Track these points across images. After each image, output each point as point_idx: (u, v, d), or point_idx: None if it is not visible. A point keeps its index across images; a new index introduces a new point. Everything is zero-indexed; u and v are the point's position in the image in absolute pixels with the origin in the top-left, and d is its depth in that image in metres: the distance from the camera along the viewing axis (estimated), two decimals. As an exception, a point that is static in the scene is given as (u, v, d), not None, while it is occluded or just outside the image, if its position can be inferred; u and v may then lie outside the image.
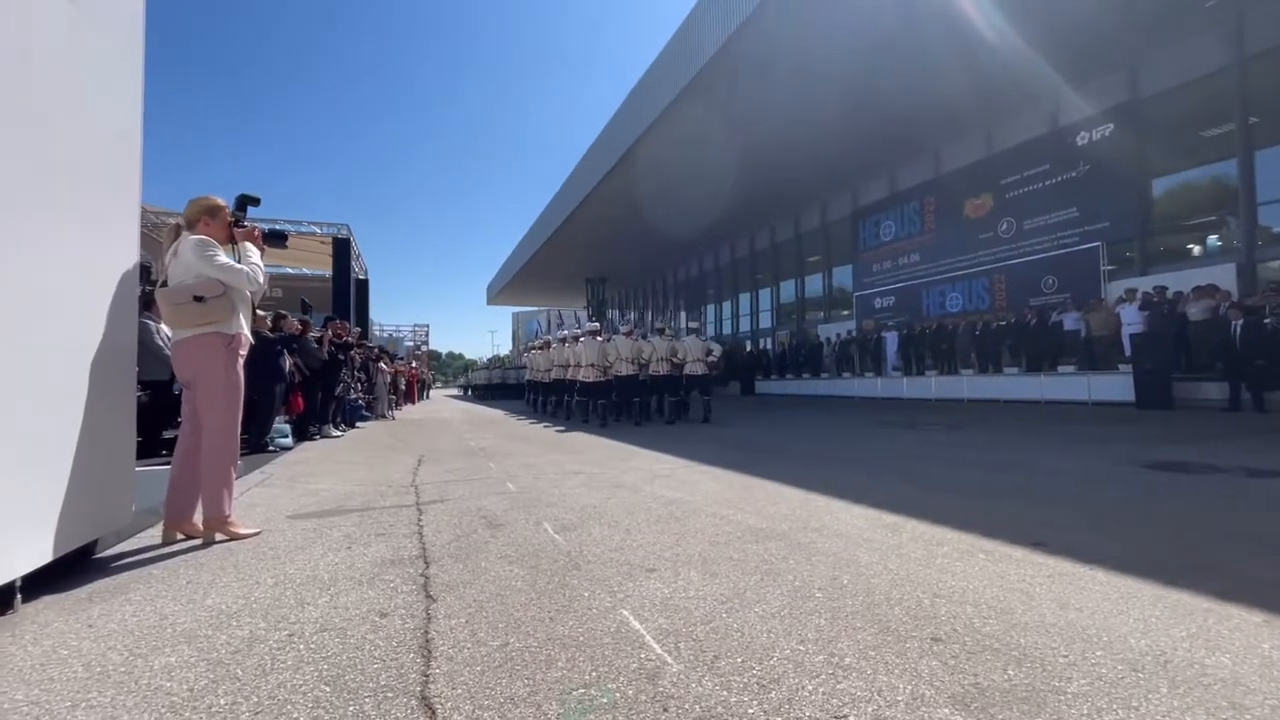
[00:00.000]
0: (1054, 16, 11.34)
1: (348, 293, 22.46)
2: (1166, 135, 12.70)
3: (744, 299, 27.17)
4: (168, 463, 3.54)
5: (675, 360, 10.91)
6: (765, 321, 25.76)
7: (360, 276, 26.54)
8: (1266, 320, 9.46)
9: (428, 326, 43.14)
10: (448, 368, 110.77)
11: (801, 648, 1.75)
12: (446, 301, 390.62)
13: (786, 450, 6.59)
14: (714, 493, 4.13)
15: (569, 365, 12.19)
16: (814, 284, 23.12)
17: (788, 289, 24.40)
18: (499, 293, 41.28)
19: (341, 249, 22.52)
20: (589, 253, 29.36)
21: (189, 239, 3.16)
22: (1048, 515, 3.31)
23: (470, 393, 37.15)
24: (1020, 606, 2.02)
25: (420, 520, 3.56)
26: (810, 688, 1.53)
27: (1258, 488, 3.89)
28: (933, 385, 15.06)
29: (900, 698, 1.47)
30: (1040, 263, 14.72)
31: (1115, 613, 1.95)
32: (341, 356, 10.11)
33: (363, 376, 13.22)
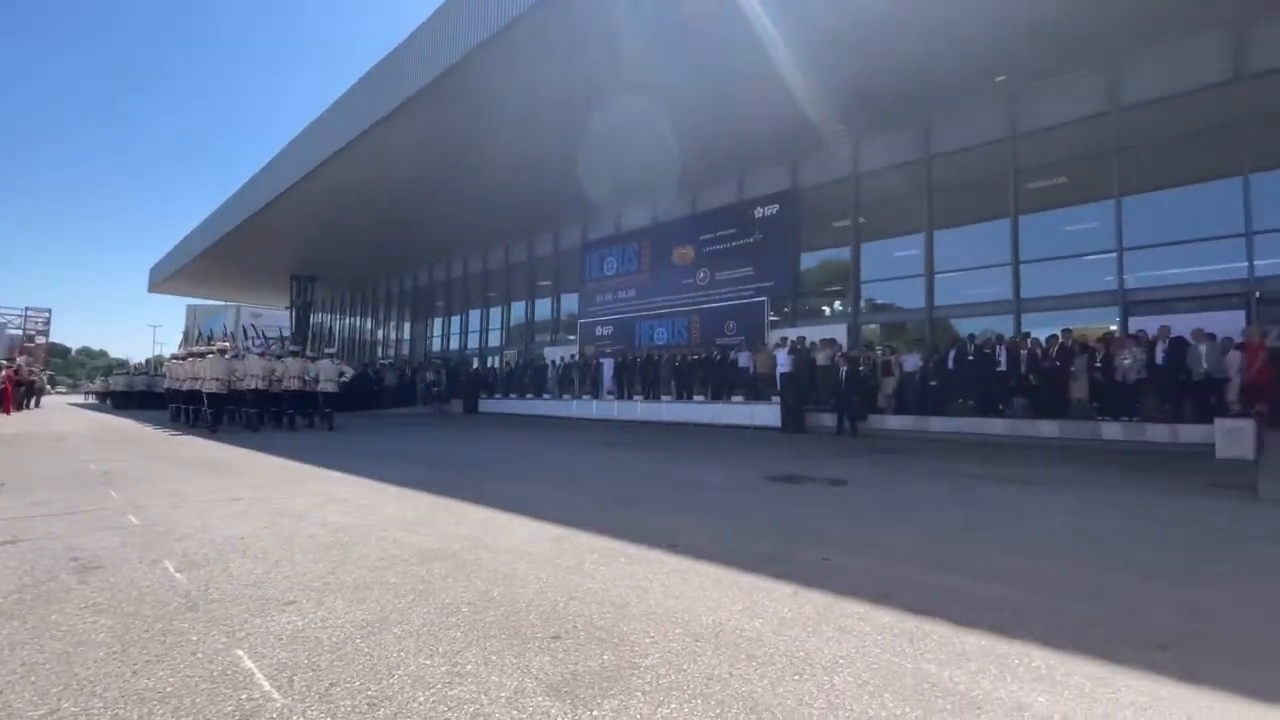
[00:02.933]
0: (737, 117, 13.76)
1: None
2: (812, 221, 16.41)
3: (474, 315, 26.74)
4: None
5: (307, 379, 12.42)
6: (495, 340, 25.70)
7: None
8: (861, 368, 12.78)
9: (48, 313, 32.77)
10: (80, 367, 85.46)
11: (429, 662, 1.80)
12: (90, 282, 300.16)
13: (492, 469, 6.65)
14: (396, 516, 3.97)
15: (199, 378, 12.65)
16: (544, 307, 23.91)
17: (518, 309, 24.77)
18: (168, 279, 33.48)
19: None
20: (297, 246, 25.78)
21: None
22: (690, 520, 3.95)
23: (109, 401, 29.31)
24: (635, 600, 2.38)
25: (-32, 569, 2.69)
26: (422, 699, 1.58)
27: (834, 494, 5.21)
28: (639, 409, 16.74)
29: (504, 694, 1.61)
30: (725, 309, 17.60)
31: (702, 596, 2.43)
32: None
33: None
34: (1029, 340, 11.08)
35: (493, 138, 15.19)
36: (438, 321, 29.01)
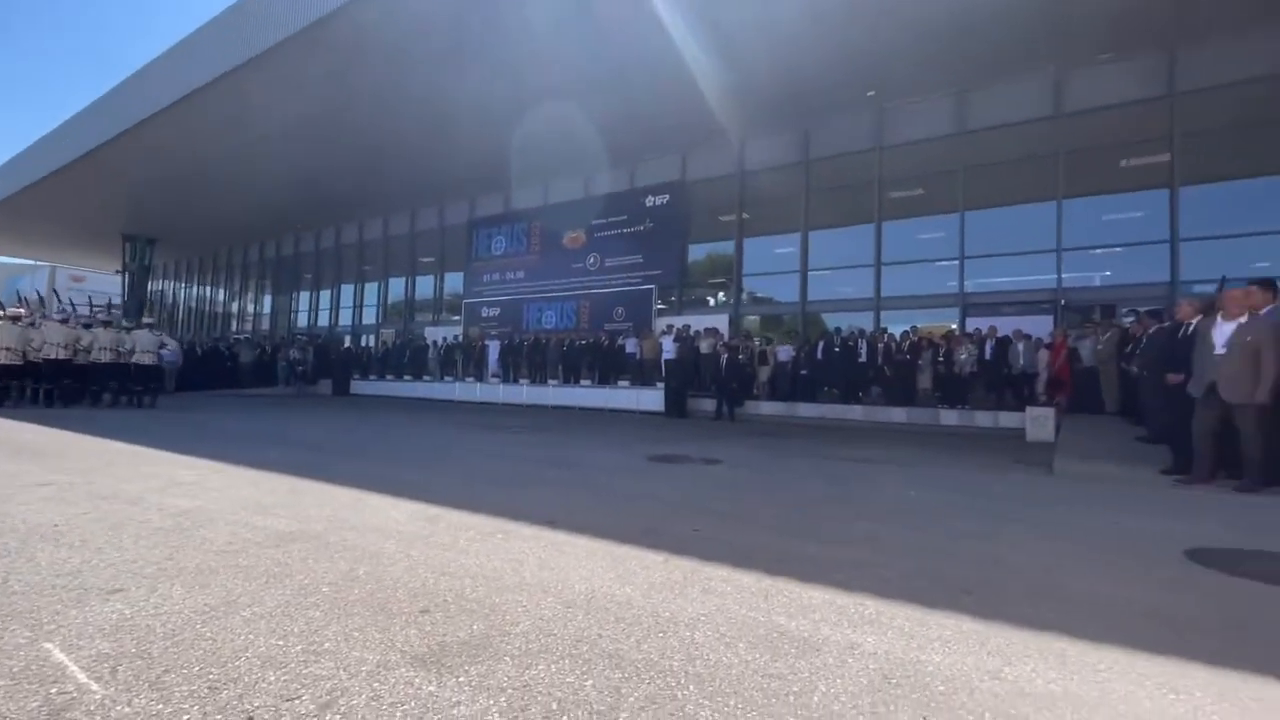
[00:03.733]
0: (628, 112, 13.83)
1: None
2: (699, 213, 16.94)
3: (348, 290, 24.92)
4: None
5: (121, 350, 11.61)
6: (370, 317, 24.14)
7: None
8: (740, 356, 13.46)
9: None
10: None
11: (281, 643, 1.70)
12: None
13: (364, 451, 6.30)
14: (250, 499, 3.65)
15: None
16: (425, 285, 22.80)
17: (397, 286, 23.42)
18: (-44, 229, 27.98)
19: None
20: (132, 201, 22.57)
21: None
22: (570, 498, 4.00)
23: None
24: (510, 573, 2.38)
25: None
26: (272, 679, 1.49)
27: (709, 472, 5.47)
28: (524, 393, 16.50)
29: (365, 668, 1.56)
30: (614, 295, 17.76)
31: (577, 567, 2.48)
32: None
33: None
34: (886, 335, 12.23)
35: (370, 100, 14.11)
36: (305, 295, 26.76)
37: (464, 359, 18.72)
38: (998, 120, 12.05)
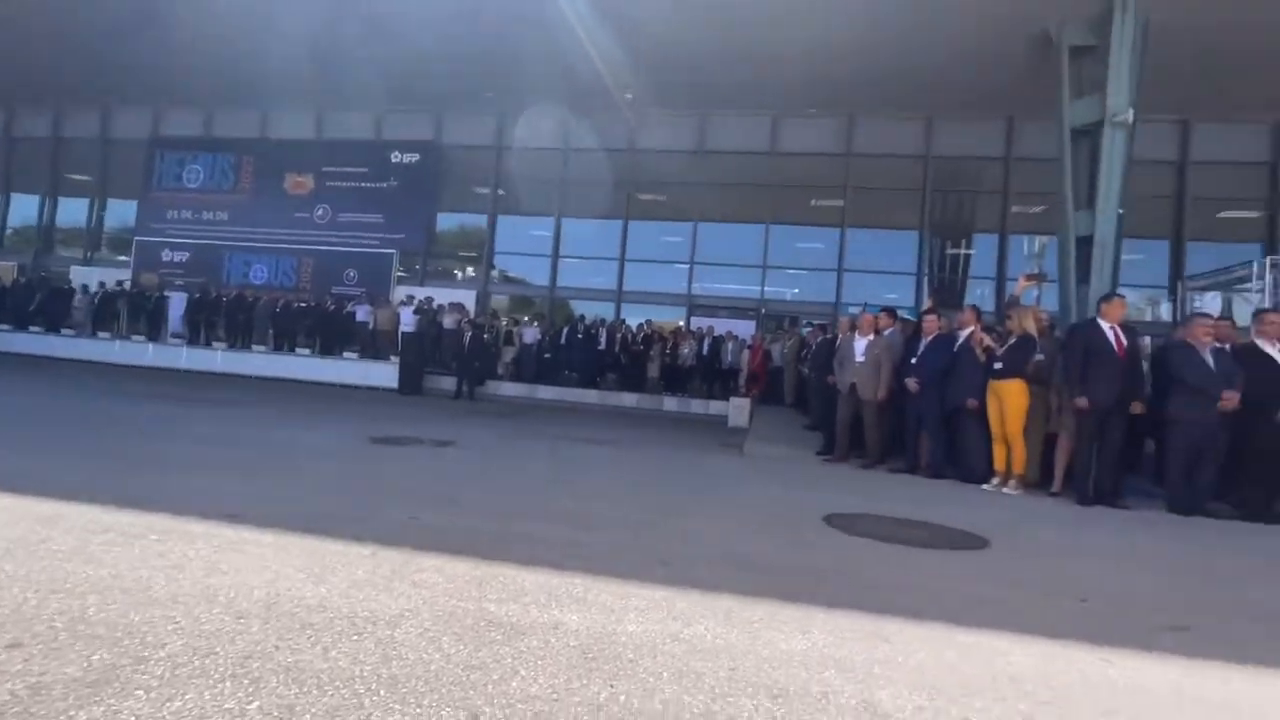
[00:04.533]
0: (378, 51, 12.36)
1: None
2: (453, 180, 16.03)
3: (-64, 202, 17.83)
4: None
5: None
6: (-24, 244, 17.65)
7: None
8: (485, 335, 13.16)
9: None
10: None
11: None
12: None
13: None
14: None
15: None
16: (75, 210, 17.45)
17: (27, 206, 17.52)
18: None
19: None
20: None
21: None
22: (265, 486, 3.43)
23: None
24: (162, 582, 1.94)
25: None
26: None
27: (438, 455, 5.22)
28: (219, 359, 13.78)
29: (-115, 741, 1.11)
30: (346, 255, 15.84)
31: (260, 569, 2.13)
32: None
33: None
34: (624, 326, 13.16)
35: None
36: None
37: (131, 311, 14.91)
38: (729, 146, 13.78)
